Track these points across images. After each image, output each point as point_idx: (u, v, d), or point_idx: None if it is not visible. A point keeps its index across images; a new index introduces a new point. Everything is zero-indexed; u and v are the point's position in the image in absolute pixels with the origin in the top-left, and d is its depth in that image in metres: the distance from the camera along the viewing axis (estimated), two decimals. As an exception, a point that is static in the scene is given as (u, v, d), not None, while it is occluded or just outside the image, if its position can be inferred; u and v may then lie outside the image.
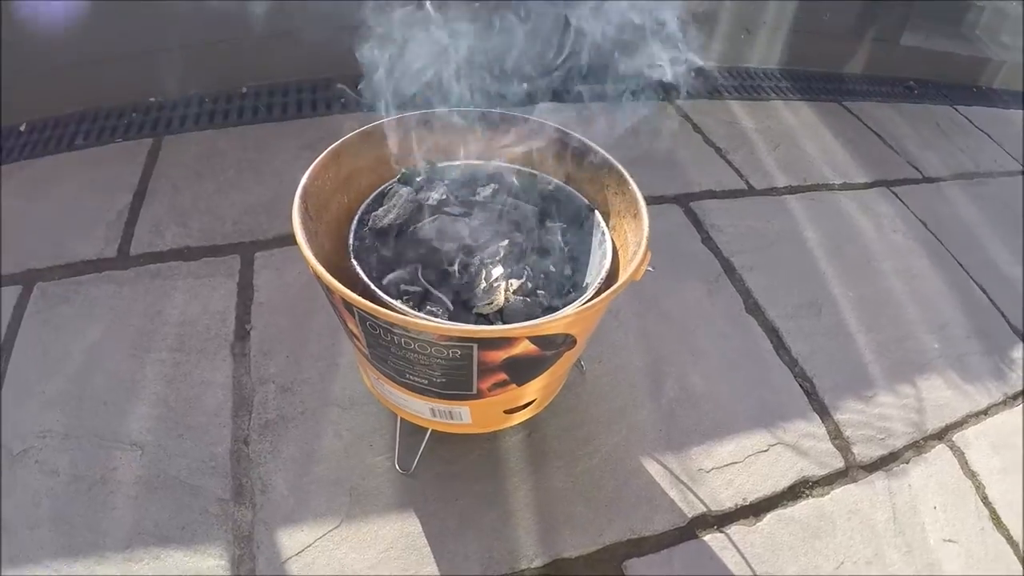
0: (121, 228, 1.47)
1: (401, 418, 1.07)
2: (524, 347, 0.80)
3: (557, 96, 1.10)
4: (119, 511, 1.01)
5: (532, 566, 1.01)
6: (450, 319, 0.87)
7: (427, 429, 1.05)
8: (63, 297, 1.31)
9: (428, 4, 0.90)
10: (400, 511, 1.04)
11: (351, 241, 0.92)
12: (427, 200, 0.96)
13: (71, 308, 1.29)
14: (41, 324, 1.26)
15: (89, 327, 1.26)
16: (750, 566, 1.05)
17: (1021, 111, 2.77)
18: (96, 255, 1.41)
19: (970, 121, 2.56)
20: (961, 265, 1.77)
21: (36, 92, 1.73)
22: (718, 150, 2.00)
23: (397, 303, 0.81)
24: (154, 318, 1.29)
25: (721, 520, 1.11)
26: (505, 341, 0.78)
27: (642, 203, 0.92)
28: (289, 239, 1.43)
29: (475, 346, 0.78)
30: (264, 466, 1.08)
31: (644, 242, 0.87)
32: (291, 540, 1.00)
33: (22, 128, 1.76)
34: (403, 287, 0.89)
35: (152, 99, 1.86)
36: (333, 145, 0.94)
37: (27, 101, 1.73)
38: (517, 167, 1.06)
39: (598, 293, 0.85)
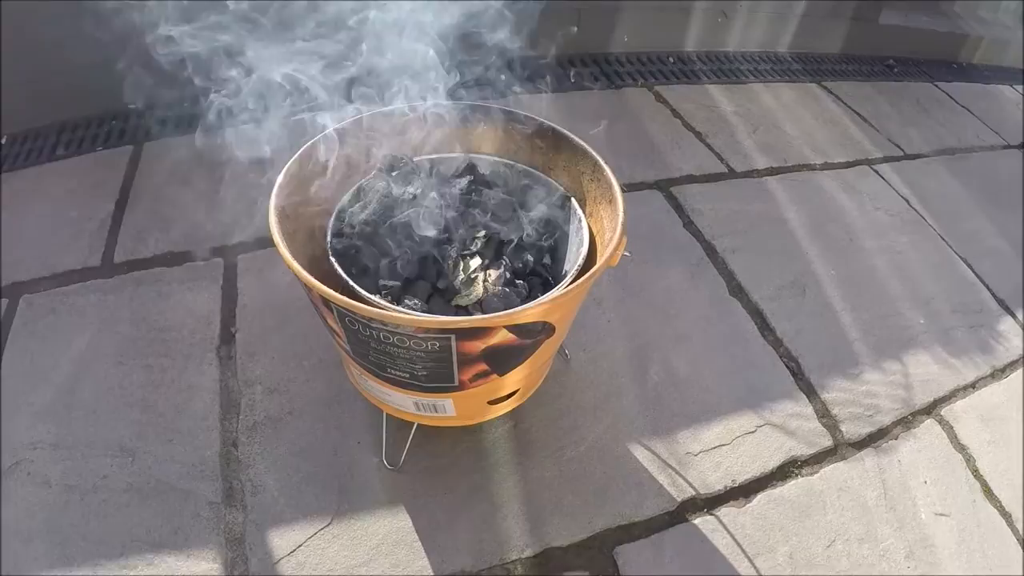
0: (104, 236, 1.47)
1: (387, 414, 1.07)
2: (502, 336, 0.80)
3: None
4: (112, 519, 1.01)
5: (523, 556, 1.01)
6: (430, 312, 0.87)
7: (413, 424, 1.05)
8: (49, 308, 1.31)
9: None
10: (390, 506, 1.05)
11: (329, 238, 0.92)
12: (402, 194, 0.96)
13: (57, 319, 1.29)
14: (28, 336, 1.26)
15: (76, 337, 1.26)
16: (741, 547, 1.06)
17: (1004, 87, 2.77)
18: (80, 264, 1.41)
19: (951, 97, 2.56)
20: (945, 240, 1.78)
21: (15, 104, 1.72)
22: (698, 134, 2.00)
23: (375, 298, 0.82)
24: (140, 325, 1.29)
25: (711, 503, 1.11)
26: (483, 331, 0.78)
27: (617, 188, 0.92)
28: (271, 240, 1.43)
29: (453, 337, 0.78)
30: (254, 467, 1.08)
31: (620, 227, 0.87)
32: (283, 540, 1.00)
33: (2, 141, 1.76)
34: (381, 281, 0.90)
35: (132, 105, 1.85)
36: (307, 143, 0.94)
37: (6, 114, 1.72)
38: (492, 157, 1.07)
39: (575, 280, 0.85)
